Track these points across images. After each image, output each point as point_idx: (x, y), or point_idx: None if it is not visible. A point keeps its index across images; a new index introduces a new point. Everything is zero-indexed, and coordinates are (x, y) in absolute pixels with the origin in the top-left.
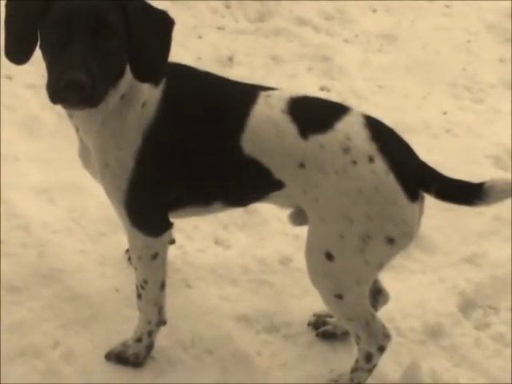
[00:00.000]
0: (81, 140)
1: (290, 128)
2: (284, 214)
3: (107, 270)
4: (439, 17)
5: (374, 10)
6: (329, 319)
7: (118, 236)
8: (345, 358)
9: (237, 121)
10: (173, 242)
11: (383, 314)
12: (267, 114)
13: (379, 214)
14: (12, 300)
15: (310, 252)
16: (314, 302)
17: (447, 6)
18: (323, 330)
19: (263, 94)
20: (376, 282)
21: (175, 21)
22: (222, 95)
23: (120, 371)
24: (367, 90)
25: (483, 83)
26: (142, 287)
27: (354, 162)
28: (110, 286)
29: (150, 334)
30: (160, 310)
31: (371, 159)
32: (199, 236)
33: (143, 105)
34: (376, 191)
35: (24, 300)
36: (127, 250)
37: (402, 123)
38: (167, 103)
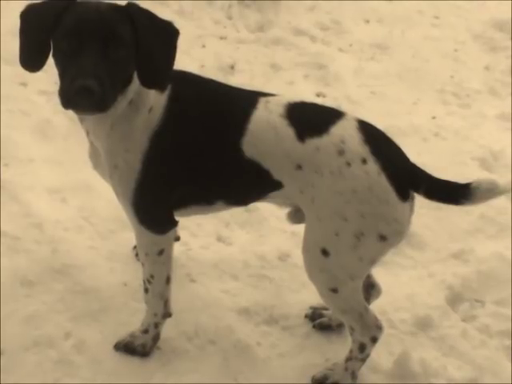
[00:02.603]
0: (91, 143)
1: (287, 132)
2: (282, 212)
3: (116, 266)
4: (428, 27)
5: (367, 21)
6: (324, 312)
7: (126, 233)
8: (340, 348)
9: (238, 125)
10: (178, 239)
11: (376, 306)
12: (266, 118)
13: (372, 213)
14: (27, 293)
15: (306, 248)
16: (310, 296)
17: (436, 17)
18: (319, 322)
19: (263, 99)
20: (369, 277)
21: (180, 31)
22: (224, 101)
23: (128, 360)
24: (361, 96)
25: (470, 89)
26: (149, 281)
27: (348, 164)
28: (119, 280)
29: (157, 325)
30: (166, 303)
31: (364, 161)
32: (202, 233)
33: (150, 110)
34: (369, 191)
35: (38, 293)
36: (135, 247)
37: (394, 127)
38: (172, 108)
